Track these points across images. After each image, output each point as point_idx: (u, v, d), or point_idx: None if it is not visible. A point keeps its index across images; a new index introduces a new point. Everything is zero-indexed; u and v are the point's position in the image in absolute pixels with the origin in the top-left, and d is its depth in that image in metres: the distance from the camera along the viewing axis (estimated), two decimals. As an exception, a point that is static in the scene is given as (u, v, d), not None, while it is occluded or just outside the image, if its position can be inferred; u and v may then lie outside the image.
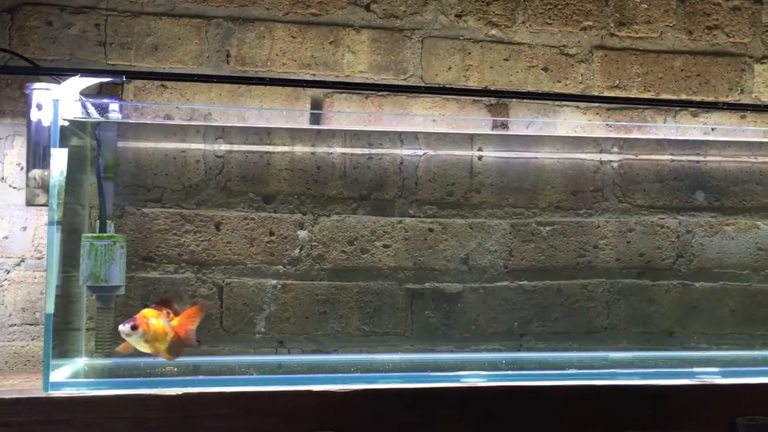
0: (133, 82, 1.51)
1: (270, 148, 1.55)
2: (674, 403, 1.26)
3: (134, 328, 1.21)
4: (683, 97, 1.69)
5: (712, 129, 1.70)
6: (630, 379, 1.31)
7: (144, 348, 1.23)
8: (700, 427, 1.27)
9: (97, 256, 1.30)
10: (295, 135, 1.55)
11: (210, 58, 1.55)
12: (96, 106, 1.37)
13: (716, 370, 1.36)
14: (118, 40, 1.52)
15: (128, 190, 1.49)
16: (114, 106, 1.39)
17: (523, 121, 1.64)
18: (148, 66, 1.52)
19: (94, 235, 1.34)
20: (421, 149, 1.60)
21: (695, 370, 1.36)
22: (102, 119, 1.38)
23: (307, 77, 1.57)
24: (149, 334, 1.22)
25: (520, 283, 1.61)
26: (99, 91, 1.48)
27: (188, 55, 1.54)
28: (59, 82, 1.32)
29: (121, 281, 1.33)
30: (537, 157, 1.63)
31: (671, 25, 1.71)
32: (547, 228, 1.63)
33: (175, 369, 1.32)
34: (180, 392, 1.16)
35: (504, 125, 1.63)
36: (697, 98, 1.70)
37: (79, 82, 1.30)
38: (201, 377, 1.32)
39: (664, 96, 1.69)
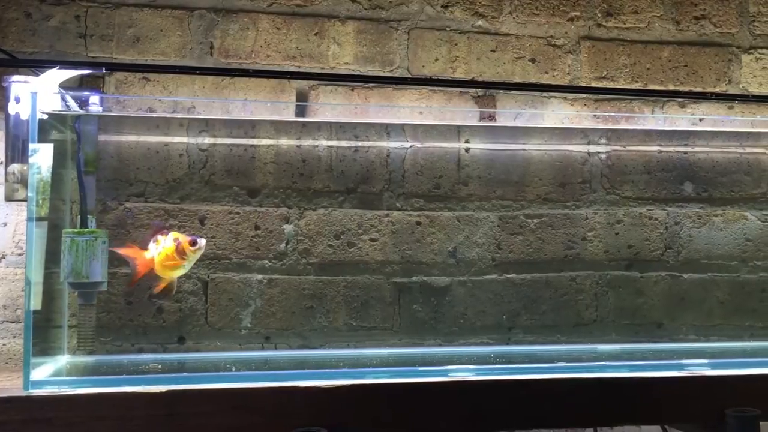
0: (114, 75, 1.49)
1: (255, 141, 1.53)
2: (663, 396, 1.25)
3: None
4: (671, 87, 1.69)
5: (700, 120, 1.69)
6: (619, 371, 1.31)
7: (186, 268, 1.27)
8: (689, 420, 1.27)
9: (78, 251, 1.28)
10: (280, 128, 1.53)
11: (193, 50, 1.52)
12: (76, 99, 1.35)
13: (705, 361, 1.36)
14: (98, 32, 1.49)
15: (110, 185, 1.46)
16: (94, 98, 1.36)
17: (511, 112, 1.62)
18: (129, 58, 1.50)
19: (75, 230, 1.32)
20: (407, 142, 1.58)
21: (684, 362, 1.36)
22: (82, 112, 1.36)
23: (292, 69, 1.55)
24: None
25: (509, 276, 1.60)
26: (80, 84, 1.45)
27: (171, 47, 1.52)
28: (38, 75, 1.30)
29: (103, 277, 1.31)
30: (525, 149, 1.62)
31: (658, 15, 1.70)
32: (535, 220, 1.62)
33: (159, 366, 1.30)
34: (164, 389, 1.14)
35: (491, 117, 1.62)
36: (685, 89, 1.69)
37: (58, 75, 1.28)
38: (185, 374, 1.31)
39: (651, 87, 1.68)
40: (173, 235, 1.26)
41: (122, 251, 1.29)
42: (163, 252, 1.25)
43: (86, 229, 1.33)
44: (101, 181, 1.45)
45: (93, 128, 1.39)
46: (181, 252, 1.25)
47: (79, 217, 1.36)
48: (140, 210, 1.48)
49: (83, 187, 1.36)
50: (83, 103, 1.36)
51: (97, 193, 1.42)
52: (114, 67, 1.47)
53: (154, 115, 1.48)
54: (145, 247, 1.27)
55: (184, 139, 1.50)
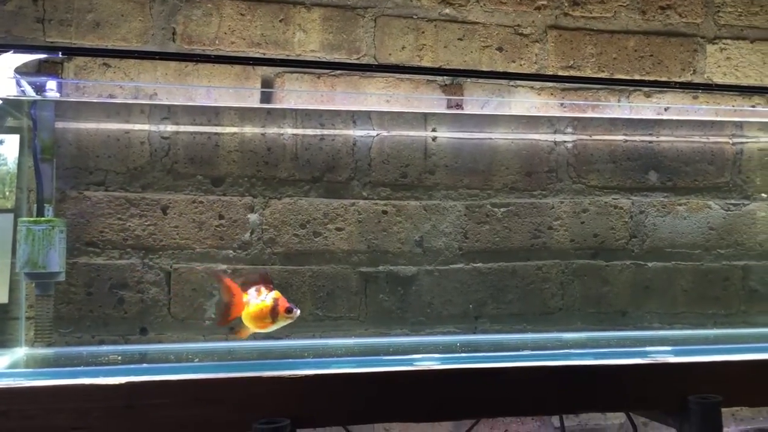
0: (74, 61, 1.45)
1: (219, 129, 1.50)
2: (627, 383, 1.26)
3: None
4: (636, 77, 1.69)
5: (665, 109, 1.70)
6: (583, 359, 1.31)
7: (270, 330, 1.24)
8: (652, 406, 1.27)
9: (35, 241, 1.25)
10: (244, 115, 1.51)
11: (155, 36, 1.49)
12: (32, 84, 1.31)
13: (668, 348, 1.37)
14: (57, 17, 1.45)
15: (69, 173, 1.43)
16: (51, 84, 1.33)
17: (478, 101, 1.62)
18: (89, 44, 1.46)
19: (31, 219, 1.29)
20: (374, 130, 1.57)
21: (648, 349, 1.37)
22: (37, 97, 1.32)
23: (257, 56, 1.52)
24: None
25: (475, 265, 1.60)
26: (38, 70, 1.41)
27: (132, 33, 1.48)
28: (-8, 59, 1.26)
29: (60, 267, 1.28)
30: (492, 138, 1.62)
31: (625, 5, 1.70)
32: (502, 209, 1.62)
33: (119, 358, 1.27)
34: (124, 381, 1.12)
35: (458, 105, 1.61)
36: (650, 78, 1.70)
37: (12, 59, 1.24)
38: (146, 365, 1.28)
39: (617, 76, 1.69)
40: (275, 294, 1.23)
41: (226, 284, 1.25)
42: (260, 305, 1.22)
43: (43, 218, 1.30)
44: (60, 170, 1.41)
45: (50, 114, 1.35)
46: (274, 314, 1.22)
47: (35, 205, 1.33)
48: (100, 199, 1.44)
49: (39, 175, 1.33)
50: (40, 88, 1.32)
51: (55, 182, 1.39)
52: (71, 52, 1.43)
53: (114, 101, 1.45)
54: (245, 290, 1.24)
55: (146, 127, 1.47)
